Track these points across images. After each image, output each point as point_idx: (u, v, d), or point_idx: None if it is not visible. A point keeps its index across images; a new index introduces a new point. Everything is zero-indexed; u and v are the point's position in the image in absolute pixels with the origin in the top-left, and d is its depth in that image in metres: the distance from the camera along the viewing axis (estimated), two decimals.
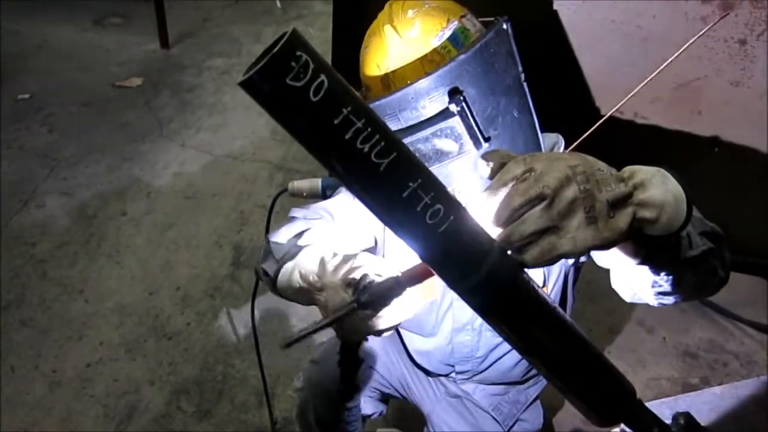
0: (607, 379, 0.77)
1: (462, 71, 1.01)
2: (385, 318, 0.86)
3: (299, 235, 1.17)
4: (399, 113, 1.02)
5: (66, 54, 4.26)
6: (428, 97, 1.01)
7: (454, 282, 0.68)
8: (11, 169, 3.24)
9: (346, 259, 0.92)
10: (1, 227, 2.90)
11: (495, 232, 0.69)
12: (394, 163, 0.60)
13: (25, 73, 4.03)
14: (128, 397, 2.23)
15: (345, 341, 0.96)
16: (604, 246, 0.67)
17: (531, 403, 1.53)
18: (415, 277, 0.78)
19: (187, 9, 4.86)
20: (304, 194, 1.81)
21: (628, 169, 0.73)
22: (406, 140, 1.02)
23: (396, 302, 0.81)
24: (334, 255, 0.95)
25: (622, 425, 0.96)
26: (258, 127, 3.56)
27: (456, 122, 1.02)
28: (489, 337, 1.34)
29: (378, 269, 0.88)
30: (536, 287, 0.71)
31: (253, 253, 2.78)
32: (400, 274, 0.80)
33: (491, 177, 0.71)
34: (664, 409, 0.83)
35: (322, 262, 0.94)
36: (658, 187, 0.72)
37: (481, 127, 1.03)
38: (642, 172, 0.72)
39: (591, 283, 2.26)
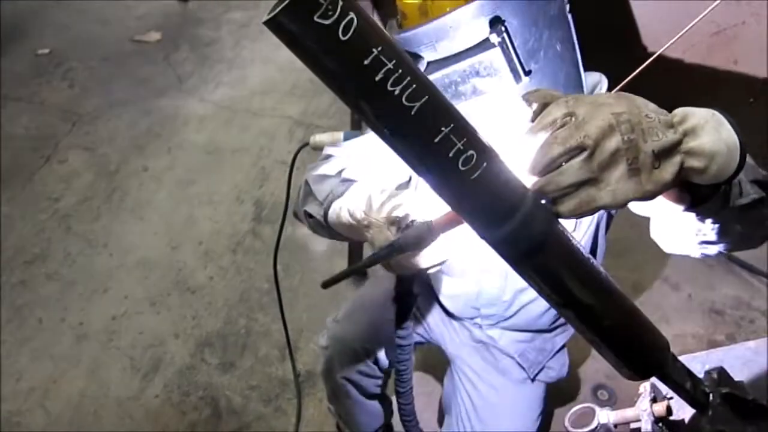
0: (641, 332, 0.75)
1: (504, 1, 0.94)
2: (426, 257, 0.86)
3: (339, 172, 1.16)
4: (436, 43, 0.95)
5: (84, 9, 4.21)
6: (467, 27, 0.94)
7: (485, 231, 0.65)
8: (33, 125, 3.25)
9: (392, 195, 0.92)
10: (25, 182, 2.93)
11: (531, 179, 0.66)
12: (426, 107, 0.58)
13: (43, 28, 4.01)
14: (153, 349, 2.27)
15: (399, 275, 0.96)
16: (646, 198, 0.64)
17: (557, 352, 1.53)
18: (447, 224, 0.76)
19: None
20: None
21: (679, 112, 0.68)
22: (443, 72, 0.97)
23: (436, 243, 0.80)
24: (382, 191, 0.94)
25: (652, 379, 0.95)
26: (278, 82, 3.51)
27: (496, 54, 0.95)
28: (516, 280, 1.32)
29: (420, 208, 0.87)
30: (571, 238, 0.68)
31: (274, 208, 2.77)
32: (432, 221, 0.78)
33: (533, 119, 0.68)
34: (695, 363, 0.81)
35: (369, 199, 0.94)
36: (711, 134, 0.67)
37: (522, 60, 0.97)
38: (695, 116, 0.67)
39: (615, 239, 2.22)
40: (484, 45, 0.94)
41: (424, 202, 0.87)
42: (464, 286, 1.40)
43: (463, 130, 0.60)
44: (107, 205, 2.83)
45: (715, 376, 0.83)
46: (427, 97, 0.58)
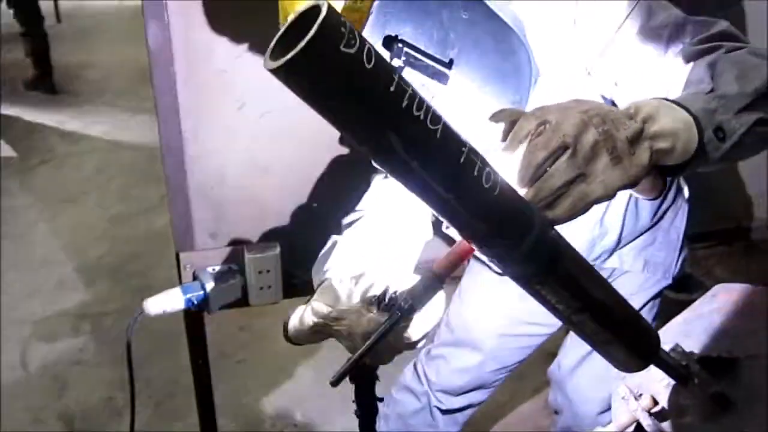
0: (638, 318, 0.78)
1: (386, 15, 0.89)
2: (418, 325, 0.79)
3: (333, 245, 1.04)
4: None
5: None
6: None
7: (509, 250, 0.63)
8: None
9: (358, 277, 0.85)
10: None
11: (520, 192, 0.67)
12: (446, 128, 0.56)
13: None
14: None
15: (364, 368, 0.85)
16: (632, 183, 0.68)
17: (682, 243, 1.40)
18: (450, 266, 0.72)
19: None
20: (167, 309, 1.61)
21: (632, 105, 0.74)
22: None
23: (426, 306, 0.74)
24: (341, 281, 0.86)
25: (627, 380, 0.98)
26: (38, 282, 3.07)
27: (409, 72, 0.90)
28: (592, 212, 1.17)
29: (397, 277, 0.81)
30: (568, 242, 0.70)
31: (86, 415, 2.33)
32: (433, 267, 0.73)
33: (504, 138, 0.70)
34: None
35: (334, 291, 0.86)
36: (667, 115, 0.73)
37: (437, 58, 0.91)
38: (647, 105, 0.73)
39: None
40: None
41: (397, 271, 0.82)
42: None
43: (475, 147, 0.59)
44: None
45: (680, 349, 0.89)
46: (443, 118, 0.56)
